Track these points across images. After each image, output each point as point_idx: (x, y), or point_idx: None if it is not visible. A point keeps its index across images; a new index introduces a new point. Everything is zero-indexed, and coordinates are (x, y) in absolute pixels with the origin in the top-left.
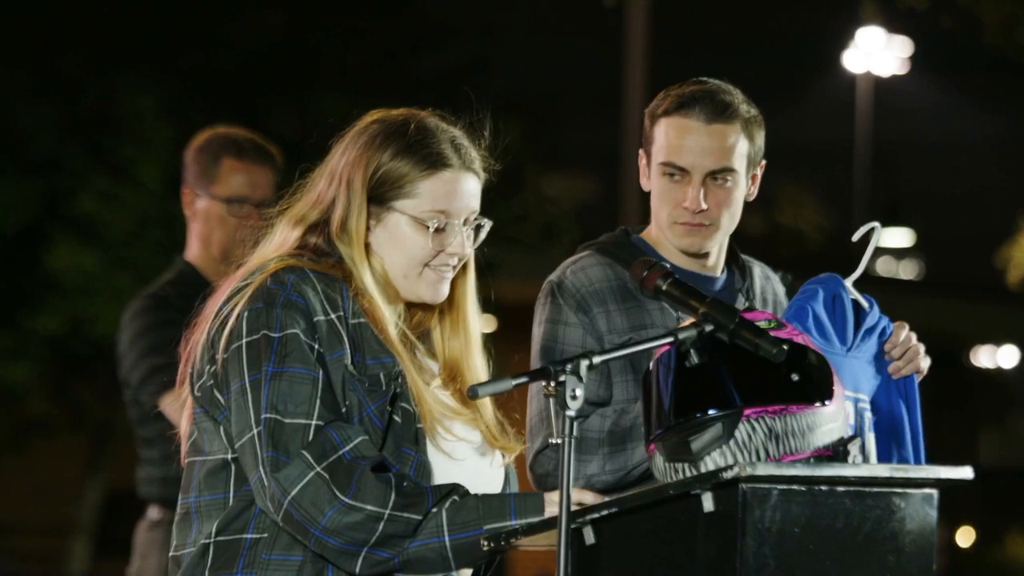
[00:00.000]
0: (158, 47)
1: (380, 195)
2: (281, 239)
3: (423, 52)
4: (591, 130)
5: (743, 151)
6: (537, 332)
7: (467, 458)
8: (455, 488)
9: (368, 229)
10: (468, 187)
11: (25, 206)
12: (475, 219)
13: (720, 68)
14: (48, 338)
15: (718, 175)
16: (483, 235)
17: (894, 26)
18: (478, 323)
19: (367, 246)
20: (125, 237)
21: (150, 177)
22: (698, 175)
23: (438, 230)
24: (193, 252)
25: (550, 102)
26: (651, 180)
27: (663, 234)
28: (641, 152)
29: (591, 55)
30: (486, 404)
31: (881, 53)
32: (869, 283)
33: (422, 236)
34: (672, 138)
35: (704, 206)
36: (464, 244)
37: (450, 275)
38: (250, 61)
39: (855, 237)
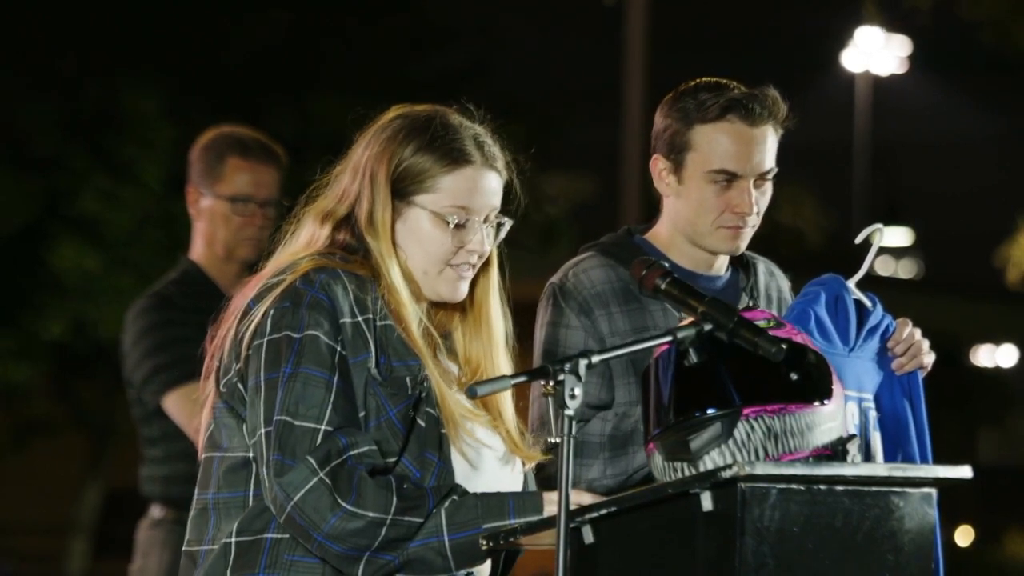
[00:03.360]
0: (159, 47)
1: (402, 189)
2: (310, 235)
3: (423, 52)
4: (590, 130)
5: (776, 148)
6: (539, 335)
7: (489, 463)
8: (454, 488)
9: (393, 223)
10: (490, 184)
11: (26, 206)
12: (496, 217)
13: (720, 68)
14: (50, 339)
15: (765, 176)
16: (503, 233)
17: (893, 26)
18: (501, 322)
19: (393, 241)
20: (126, 237)
21: (151, 177)
22: (750, 179)
23: (458, 226)
24: (197, 251)
25: (549, 102)
26: (686, 186)
27: (700, 239)
28: (658, 157)
29: (590, 55)
30: (507, 410)
31: (880, 52)
32: (868, 283)
33: (442, 232)
34: (725, 144)
35: (758, 209)
36: (484, 241)
37: (470, 274)
38: (251, 61)
39: (858, 239)
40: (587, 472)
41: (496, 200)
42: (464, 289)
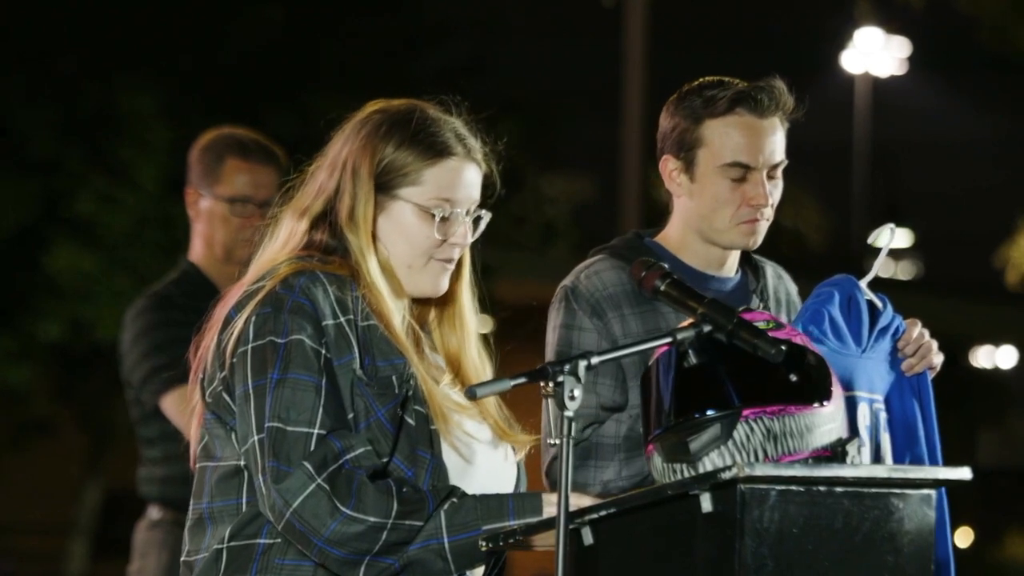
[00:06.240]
0: (156, 48)
1: (385, 183)
2: (288, 232)
3: (421, 51)
4: (590, 130)
5: (784, 140)
6: (551, 337)
7: (481, 456)
8: (453, 490)
9: (374, 218)
10: (471, 176)
11: (23, 208)
12: (475, 210)
13: (719, 68)
14: (48, 340)
15: (776, 168)
16: (482, 226)
17: (892, 26)
18: (475, 318)
19: (373, 236)
20: (124, 238)
21: (148, 178)
22: (762, 171)
23: (443, 219)
24: (196, 252)
25: (548, 102)
26: (699, 183)
27: (717, 236)
28: (668, 157)
29: (589, 55)
30: (489, 399)
31: (879, 53)
32: (869, 283)
33: (427, 225)
34: (736, 137)
35: (772, 200)
36: (467, 234)
37: (451, 267)
38: (248, 60)
39: (871, 239)
40: (602, 474)
41: (476, 193)
42: (445, 283)
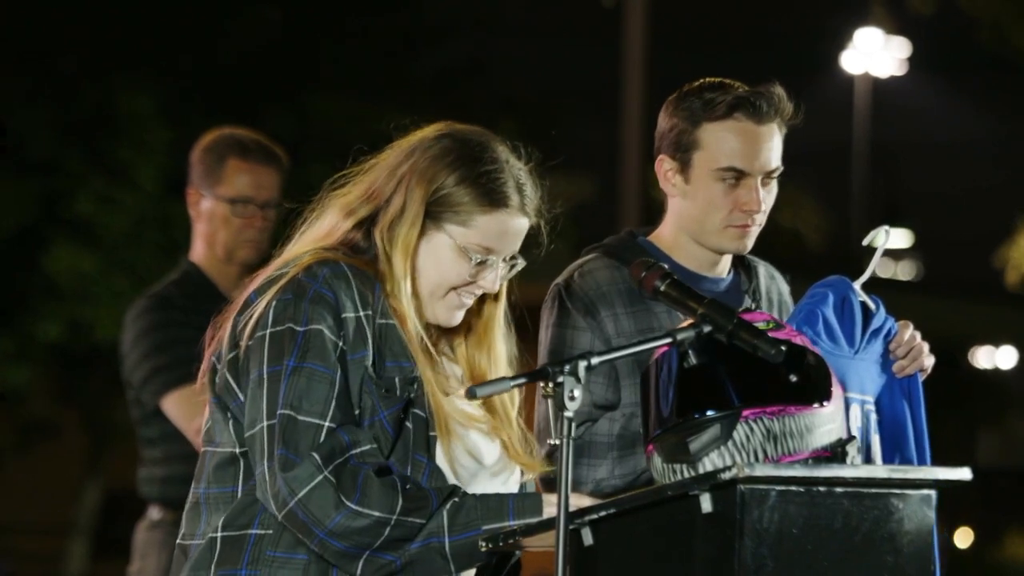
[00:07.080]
0: (156, 48)
1: (436, 213)
2: (331, 226)
3: (421, 51)
4: (589, 130)
5: (781, 147)
6: (544, 336)
7: (480, 476)
8: (455, 490)
9: (417, 240)
10: (518, 228)
11: (22, 208)
12: (512, 258)
13: (719, 68)
14: (47, 341)
15: (771, 174)
16: (515, 272)
17: (892, 27)
18: (504, 346)
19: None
20: (123, 239)
21: (147, 179)
22: (757, 177)
23: (479, 263)
24: (197, 253)
25: (548, 102)
26: (693, 185)
27: (707, 239)
28: (663, 158)
29: (589, 55)
30: (511, 416)
31: (879, 54)
32: (867, 283)
33: (462, 264)
34: (732, 142)
35: (765, 207)
36: (496, 281)
37: (469, 302)
38: (248, 60)
39: (866, 240)
40: (595, 472)
41: (518, 243)
42: (459, 317)
